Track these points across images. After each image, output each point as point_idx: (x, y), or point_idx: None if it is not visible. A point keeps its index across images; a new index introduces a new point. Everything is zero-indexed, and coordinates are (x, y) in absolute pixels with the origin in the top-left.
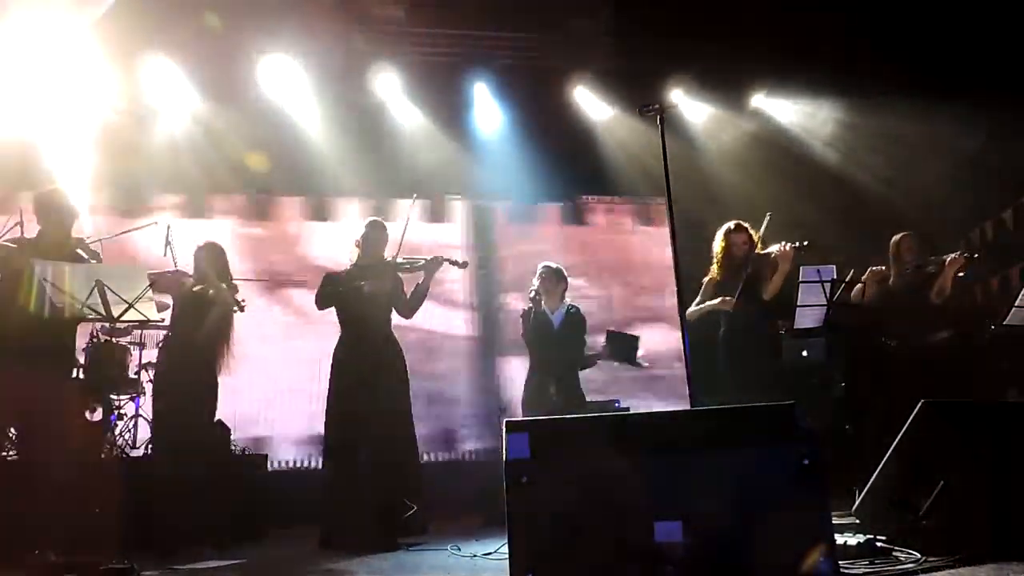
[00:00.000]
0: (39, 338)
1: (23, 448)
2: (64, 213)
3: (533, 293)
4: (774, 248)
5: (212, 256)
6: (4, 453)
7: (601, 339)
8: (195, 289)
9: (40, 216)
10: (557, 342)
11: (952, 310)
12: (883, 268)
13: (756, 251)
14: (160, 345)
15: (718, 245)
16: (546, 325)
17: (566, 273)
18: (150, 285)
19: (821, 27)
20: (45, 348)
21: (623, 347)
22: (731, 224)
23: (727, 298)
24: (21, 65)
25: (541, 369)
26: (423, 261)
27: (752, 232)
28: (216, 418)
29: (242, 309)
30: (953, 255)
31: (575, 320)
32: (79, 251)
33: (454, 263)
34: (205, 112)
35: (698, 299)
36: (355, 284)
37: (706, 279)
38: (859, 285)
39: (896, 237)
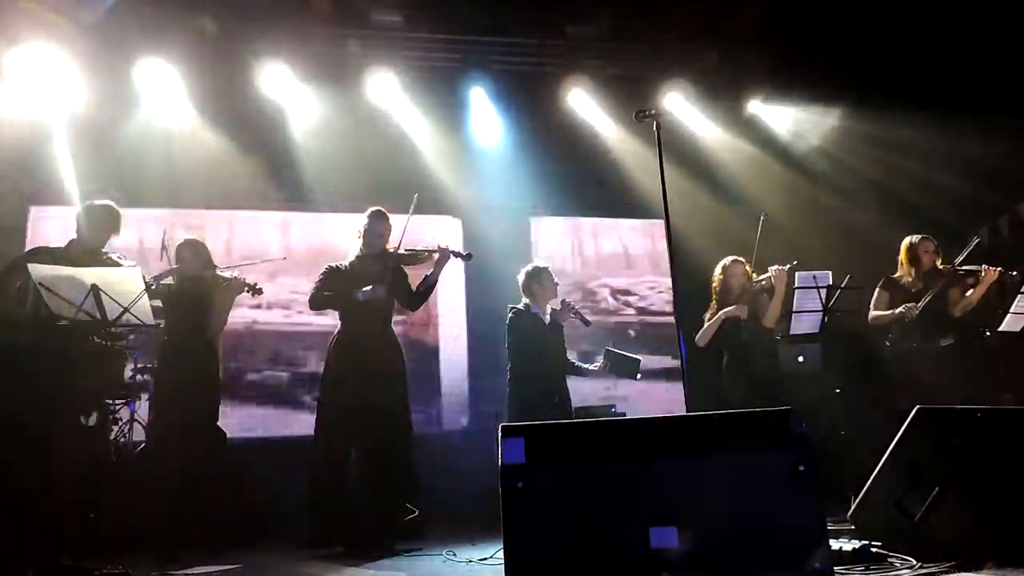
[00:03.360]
0: (40, 342)
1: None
2: (104, 228)
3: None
4: (768, 275)
5: (194, 250)
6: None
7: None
8: (177, 284)
9: (80, 226)
10: (551, 343)
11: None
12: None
13: (752, 281)
14: (158, 349)
15: (716, 280)
16: (539, 326)
17: (552, 272)
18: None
19: (818, 32)
20: (43, 352)
21: (624, 367)
22: (728, 259)
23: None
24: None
25: (533, 376)
26: (426, 253)
27: (747, 266)
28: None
29: (259, 291)
30: (990, 268)
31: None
32: (108, 259)
33: (458, 255)
34: (202, 116)
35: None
36: (350, 293)
37: (707, 315)
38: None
39: (914, 239)
